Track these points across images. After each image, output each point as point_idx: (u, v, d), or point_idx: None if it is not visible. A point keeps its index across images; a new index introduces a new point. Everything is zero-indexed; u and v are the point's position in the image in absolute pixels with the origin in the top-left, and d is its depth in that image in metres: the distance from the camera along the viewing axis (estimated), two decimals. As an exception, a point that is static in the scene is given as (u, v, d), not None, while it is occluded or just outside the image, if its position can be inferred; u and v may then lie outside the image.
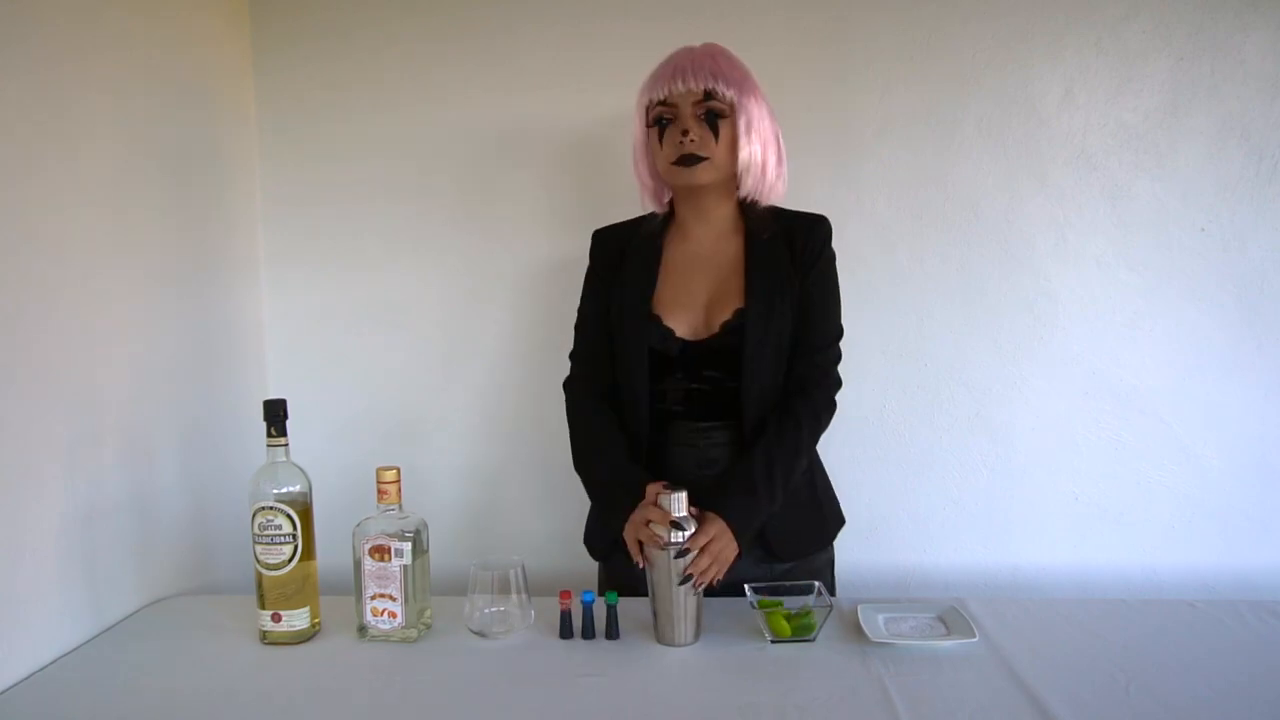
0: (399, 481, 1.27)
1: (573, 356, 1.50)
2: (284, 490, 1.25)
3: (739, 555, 1.28)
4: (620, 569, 1.36)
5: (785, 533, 1.39)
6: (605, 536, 1.42)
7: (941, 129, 1.75)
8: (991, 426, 1.80)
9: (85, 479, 1.32)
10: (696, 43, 1.40)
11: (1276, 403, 1.75)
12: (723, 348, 1.36)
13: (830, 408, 1.42)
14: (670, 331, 1.38)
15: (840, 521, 1.52)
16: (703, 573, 1.23)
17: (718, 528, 1.26)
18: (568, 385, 1.50)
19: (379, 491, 1.26)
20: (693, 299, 1.40)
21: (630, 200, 1.82)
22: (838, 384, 1.44)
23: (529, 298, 1.84)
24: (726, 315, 1.37)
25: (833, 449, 1.81)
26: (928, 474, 1.82)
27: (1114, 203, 1.73)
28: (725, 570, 1.25)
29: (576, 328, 1.50)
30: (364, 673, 1.18)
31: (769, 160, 1.38)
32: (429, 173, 1.83)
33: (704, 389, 1.38)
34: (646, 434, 1.40)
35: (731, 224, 1.44)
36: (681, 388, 1.39)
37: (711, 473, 1.38)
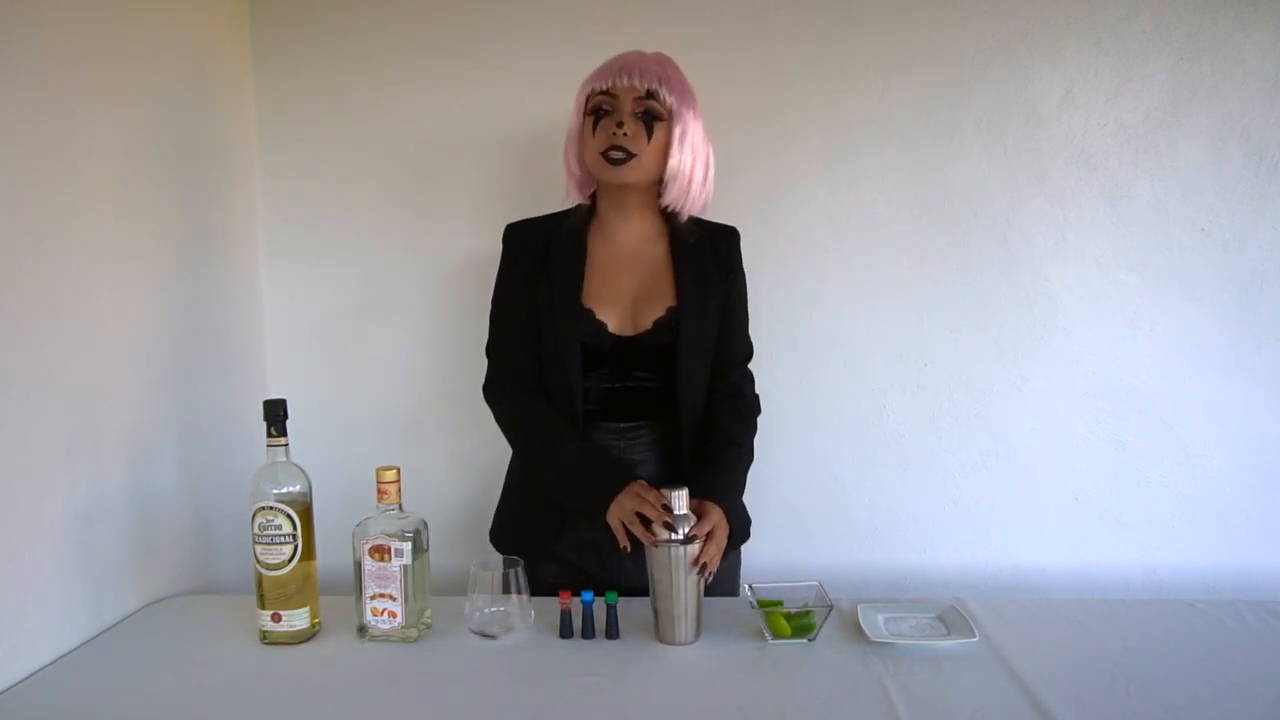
0: (399, 481, 1.27)
1: (492, 356, 1.47)
2: (284, 490, 1.25)
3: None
4: (548, 572, 1.40)
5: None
6: (519, 537, 1.44)
7: (941, 129, 1.75)
8: (991, 426, 1.80)
9: (85, 479, 1.32)
10: (649, 49, 1.41)
11: (1276, 402, 1.75)
12: (655, 344, 1.38)
13: (755, 402, 1.48)
14: (603, 325, 1.37)
15: (749, 520, 1.49)
16: (710, 559, 1.24)
17: (718, 515, 1.27)
18: (489, 388, 1.46)
19: (379, 491, 1.26)
20: (620, 295, 1.39)
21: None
22: (752, 380, 1.50)
23: (529, 298, 1.84)
24: (659, 312, 1.38)
25: (832, 449, 1.83)
26: (928, 474, 1.82)
27: (1114, 203, 1.74)
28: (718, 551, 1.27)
29: (493, 322, 1.47)
30: (364, 673, 1.18)
31: (696, 173, 1.38)
32: (429, 173, 1.83)
33: (628, 387, 1.39)
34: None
35: (654, 227, 1.45)
36: (604, 386, 1.39)
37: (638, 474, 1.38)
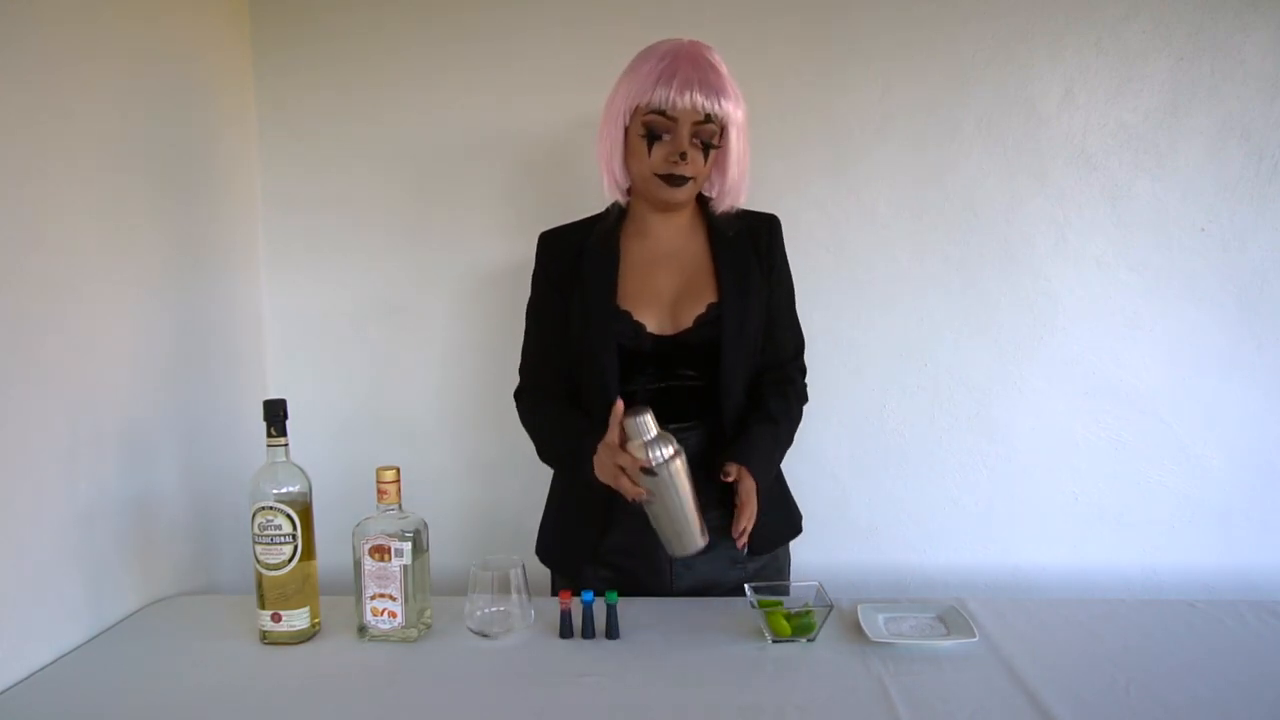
0: (399, 481, 1.27)
1: (523, 366, 1.46)
2: (284, 490, 1.25)
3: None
4: (585, 577, 1.40)
5: (761, 524, 1.36)
6: (565, 547, 1.45)
7: (941, 129, 1.75)
8: (991, 426, 1.80)
9: (85, 479, 1.32)
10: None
11: (1276, 403, 1.75)
12: (698, 342, 1.35)
13: (804, 389, 1.47)
14: (641, 326, 1.35)
15: (800, 515, 1.54)
16: (744, 528, 1.27)
17: (749, 484, 1.28)
18: (519, 397, 1.46)
19: (379, 491, 1.26)
20: (658, 294, 1.37)
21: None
22: (804, 370, 1.50)
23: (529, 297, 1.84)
24: (699, 309, 1.36)
25: (832, 448, 1.83)
26: (928, 474, 1.82)
27: (1114, 203, 1.74)
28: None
29: (526, 333, 1.46)
30: (364, 673, 1.18)
31: (745, 171, 1.39)
32: (429, 173, 1.83)
33: (676, 386, 1.36)
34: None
35: (690, 221, 1.43)
36: (652, 388, 1.35)
37: None
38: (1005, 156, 1.75)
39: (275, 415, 1.26)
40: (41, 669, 1.20)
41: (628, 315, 1.35)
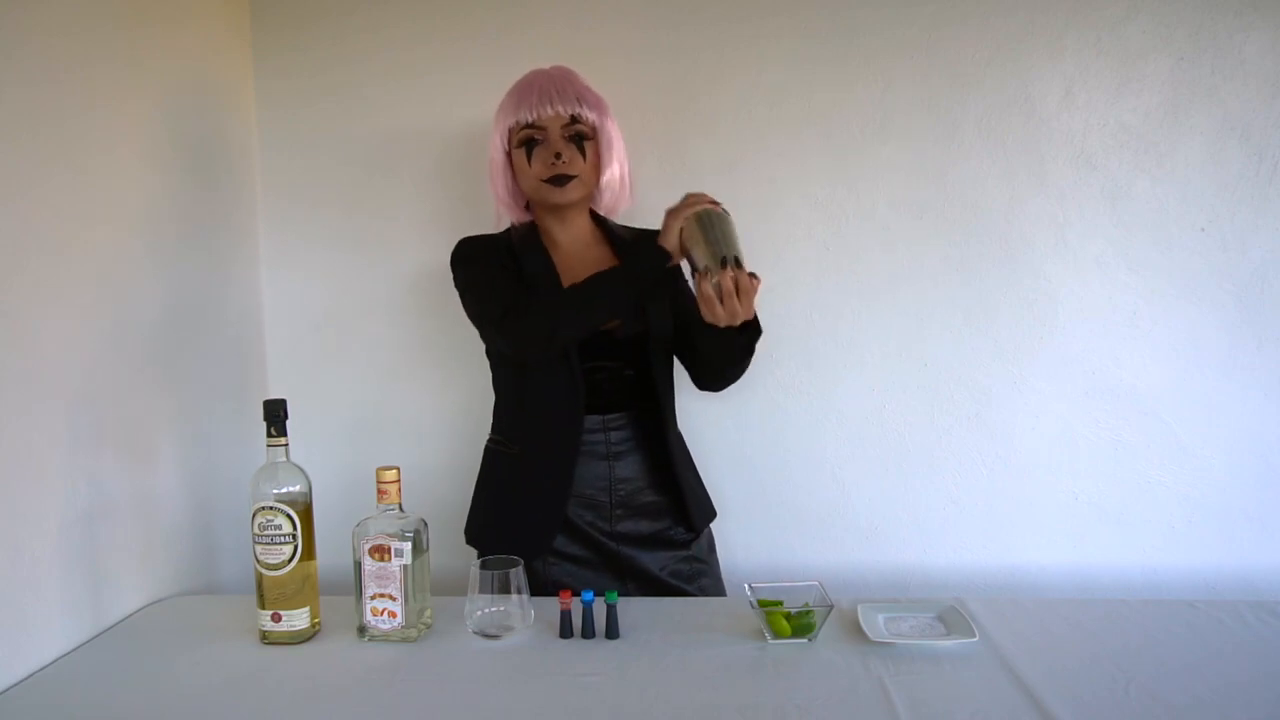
0: (399, 481, 1.27)
1: (493, 298, 1.40)
2: (284, 490, 1.25)
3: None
4: (553, 575, 1.44)
5: (695, 503, 1.51)
6: (518, 536, 1.44)
7: (941, 129, 1.75)
8: (991, 426, 1.80)
9: (85, 479, 1.32)
10: (546, 64, 1.48)
11: (1276, 403, 1.75)
12: (627, 336, 1.43)
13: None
14: None
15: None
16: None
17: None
18: (504, 321, 1.37)
19: (379, 491, 1.26)
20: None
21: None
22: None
23: (529, 298, 1.84)
24: None
25: (832, 448, 1.83)
26: (928, 474, 1.82)
27: (1114, 203, 1.73)
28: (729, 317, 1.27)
29: (480, 291, 1.44)
30: (364, 673, 1.18)
31: (624, 176, 1.50)
32: (429, 174, 1.84)
33: (608, 378, 1.44)
34: (563, 427, 1.43)
35: (591, 232, 1.53)
36: (601, 377, 1.44)
37: (622, 464, 1.46)
38: (1005, 156, 1.75)
39: (275, 415, 1.26)
40: (41, 669, 1.20)
41: None
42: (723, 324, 1.27)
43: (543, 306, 1.37)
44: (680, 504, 1.48)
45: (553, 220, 1.50)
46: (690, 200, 1.31)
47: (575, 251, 1.50)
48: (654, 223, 1.36)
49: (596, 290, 1.35)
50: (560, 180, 1.41)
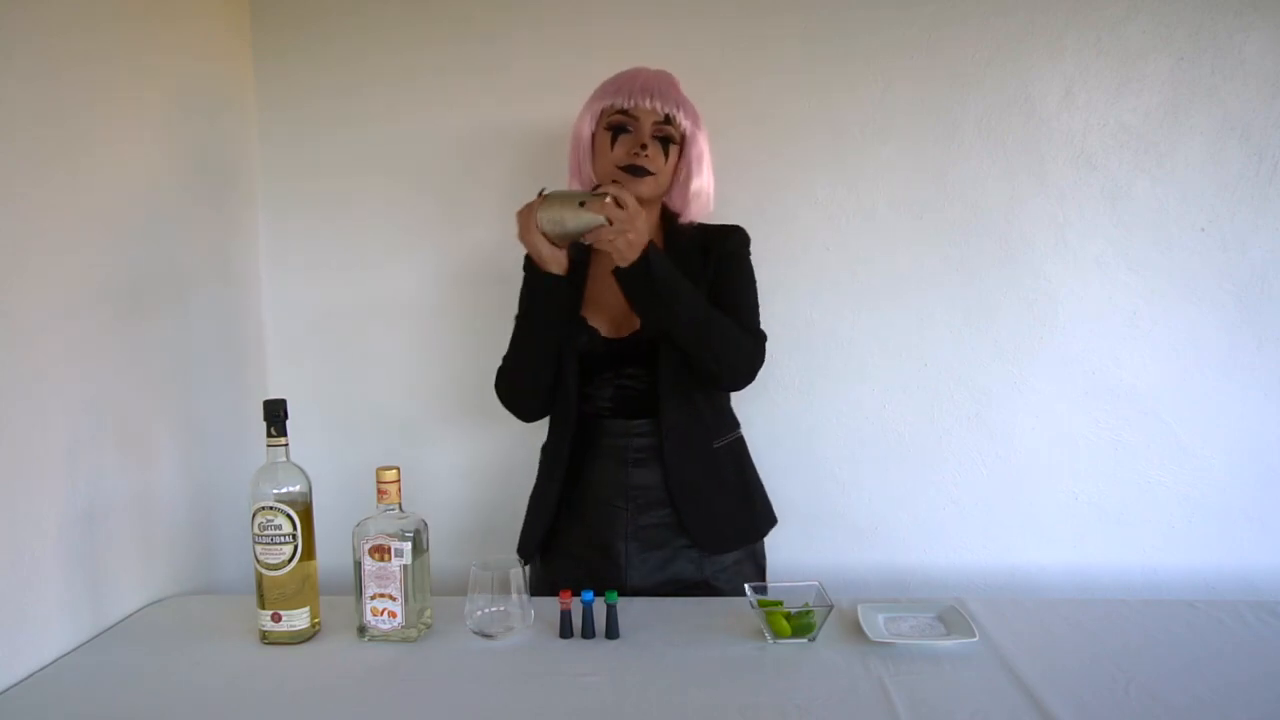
0: (399, 481, 1.27)
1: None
2: (284, 490, 1.25)
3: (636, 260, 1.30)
4: (555, 569, 1.46)
5: (707, 518, 1.44)
6: (525, 537, 1.53)
7: (941, 129, 1.75)
8: (991, 426, 1.80)
9: (85, 479, 1.32)
10: (653, 66, 1.46)
11: (1276, 403, 1.75)
12: (640, 343, 1.42)
13: (756, 347, 1.43)
14: (595, 331, 1.44)
15: (771, 520, 1.55)
16: (610, 202, 1.26)
17: (644, 217, 1.30)
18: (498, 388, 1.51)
19: (379, 491, 1.26)
20: (616, 297, 1.41)
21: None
22: (762, 344, 1.44)
23: (529, 298, 1.84)
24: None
25: (832, 448, 1.83)
26: (928, 474, 1.82)
27: (1114, 203, 1.73)
28: (624, 245, 1.27)
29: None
30: (364, 673, 1.18)
31: (710, 190, 1.48)
32: (428, 175, 1.84)
33: (629, 387, 1.44)
34: (572, 435, 1.46)
35: (653, 233, 1.47)
36: (609, 386, 1.45)
37: (639, 473, 1.44)
38: (1005, 156, 1.75)
39: (275, 415, 1.26)
40: (41, 669, 1.20)
41: (584, 320, 1.45)
42: (622, 249, 1.27)
43: (501, 372, 1.49)
44: (685, 520, 1.43)
45: None
46: (522, 214, 1.33)
47: None
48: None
49: (518, 331, 1.45)
50: (637, 171, 1.39)
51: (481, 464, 1.89)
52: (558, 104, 1.78)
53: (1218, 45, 1.69)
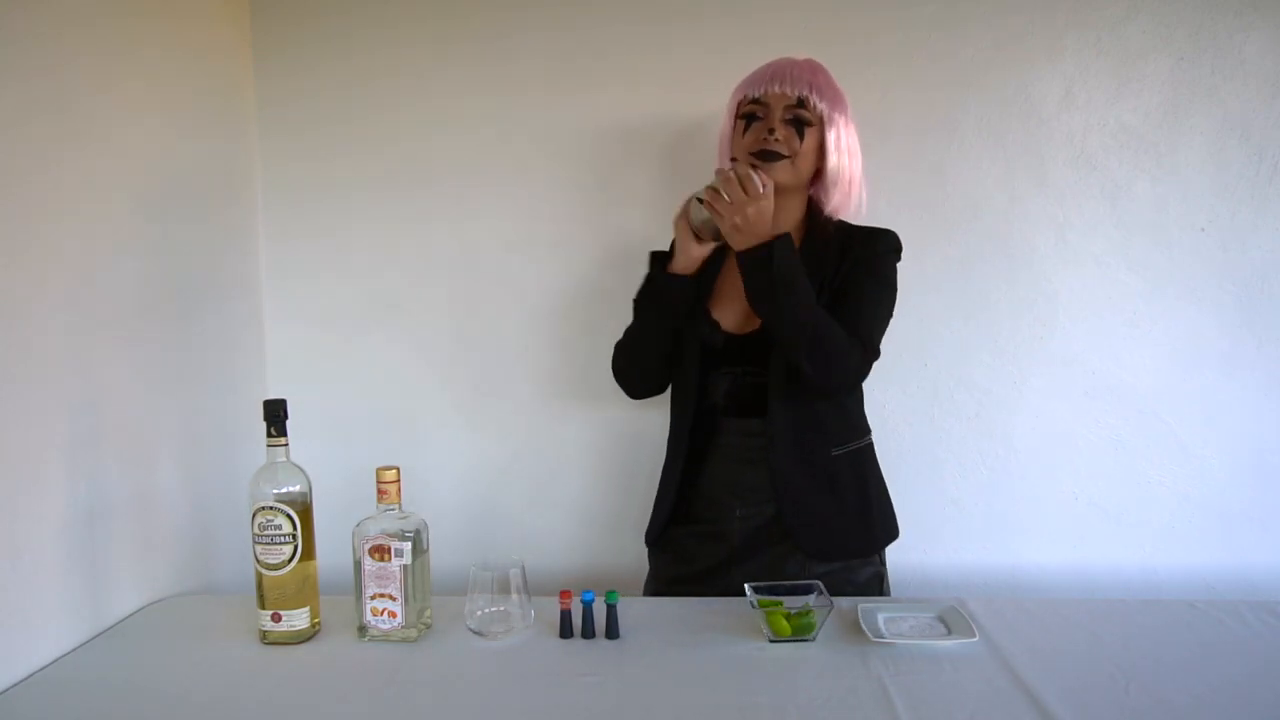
0: (399, 481, 1.27)
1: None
2: (284, 490, 1.25)
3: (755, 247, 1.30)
4: (666, 561, 1.49)
5: (816, 527, 1.41)
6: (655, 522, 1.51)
7: (941, 129, 1.75)
8: (991, 426, 1.80)
9: (85, 479, 1.32)
10: (770, 47, 1.46)
11: (1276, 402, 1.75)
12: (761, 341, 1.40)
13: (861, 362, 1.38)
14: (716, 324, 1.43)
15: (892, 534, 1.52)
16: (729, 179, 1.29)
17: (762, 204, 1.30)
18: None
19: (379, 491, 1.26)
20: (742, 293, 1.38)
21: (631, 201, 1.82)
22: (870, 360, 1.40)
23: (529, 298, 1.84)
24: None
25: (833, 449, 1.83)
26: (928, 474, 1.82)
27: (1114, 203, 1.73)
28: (729, 229, 1.31)
29: None
30: (364, 673, 1.18)
31: (855, 175, 1.44)
32: (428, 175, 1.83)
33: (748, 383, 1.42)
34: (690, 428, 1.45)
35: (794, 229, 1.43)
36: (726, 381, 1.43)
37: (750, 473, 1.43)
38: (1005, 156, 1.74)
39: (275, 415, 1.26)
40: (41, 669, 1.20)
41: (707, 313, 1.44)
42: (730, 233, 1.30)
43: (615, 347, 1.51)
44: (790, 525, 1.40)
45: None
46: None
47: None
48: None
49: (636, 314, 1.45)
50: (768, 156, 1.36)
51: (481, 464, 1.89)
52: (558, 103, 1.79)
53: (1218, 45, 1.68)
